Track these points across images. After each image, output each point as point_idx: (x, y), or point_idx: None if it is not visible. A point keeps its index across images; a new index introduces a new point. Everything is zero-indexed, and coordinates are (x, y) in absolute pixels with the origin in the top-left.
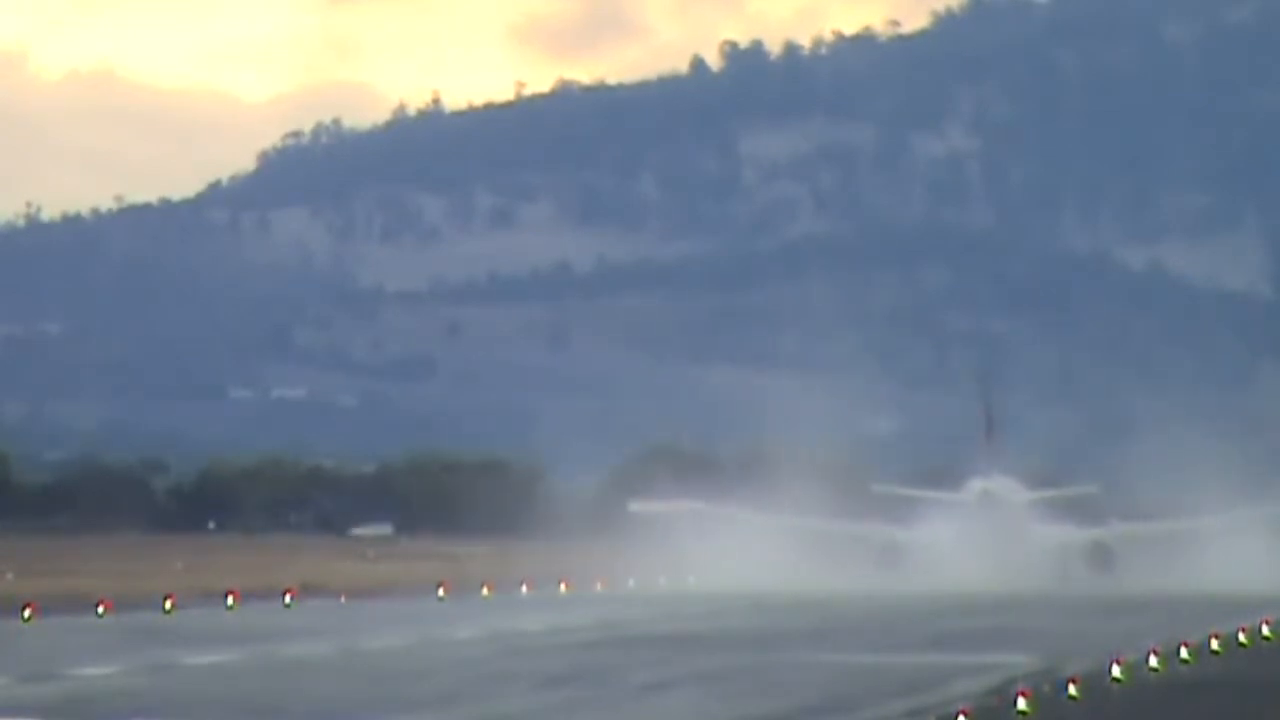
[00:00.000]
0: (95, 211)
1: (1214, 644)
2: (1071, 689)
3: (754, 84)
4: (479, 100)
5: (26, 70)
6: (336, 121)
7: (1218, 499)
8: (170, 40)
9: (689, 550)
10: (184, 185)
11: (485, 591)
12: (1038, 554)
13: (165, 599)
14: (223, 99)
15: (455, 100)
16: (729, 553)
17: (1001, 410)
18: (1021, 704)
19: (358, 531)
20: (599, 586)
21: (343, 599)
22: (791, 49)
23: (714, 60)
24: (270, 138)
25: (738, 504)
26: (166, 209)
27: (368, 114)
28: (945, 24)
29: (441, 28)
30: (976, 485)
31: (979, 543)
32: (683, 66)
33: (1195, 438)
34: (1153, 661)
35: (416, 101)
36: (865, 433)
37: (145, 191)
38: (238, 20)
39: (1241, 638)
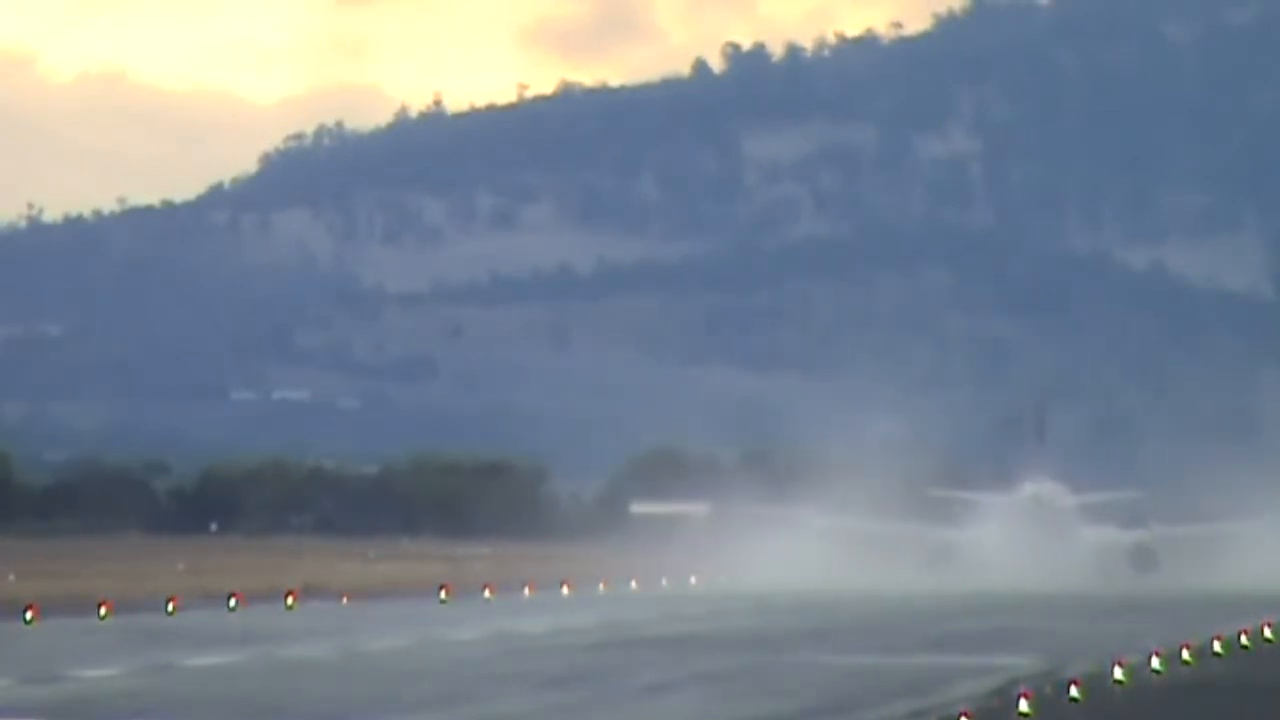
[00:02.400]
0: (97, 213)
1: (1216, 646)
2: (1073, 690)
3: (756, 85)
4: (480, 102)
5: (36, 72)
6: (339, 123)
7: (1261, 502)
8: (180, 42)
9: (741, 551)
10: (187, 186)
11: (487, 593)
12: (1083, 555)
13: (167, 600)
14: (232, 101)
15: (457, 102)
16: (777, 554)
17: (1051, 417)
18: (1023, 705)
19: None
20: (601, 588)
21: (344, 600)
22: (793, 50)
23: (716, 62)
24: (277, 140)
25: (783, 505)
26: (168, 210)
27: (377, 117)
28: (946, 25)
29: (449, 31)
30: (1028, 489)
31: (1028, 544)
32: (685, 68)
33: (1203, 439)
34: (1154, 663)
35: (419, 103)
36: (866, 434)
37: (147, 193)
38: (248, 23)
39: (1243, 639)
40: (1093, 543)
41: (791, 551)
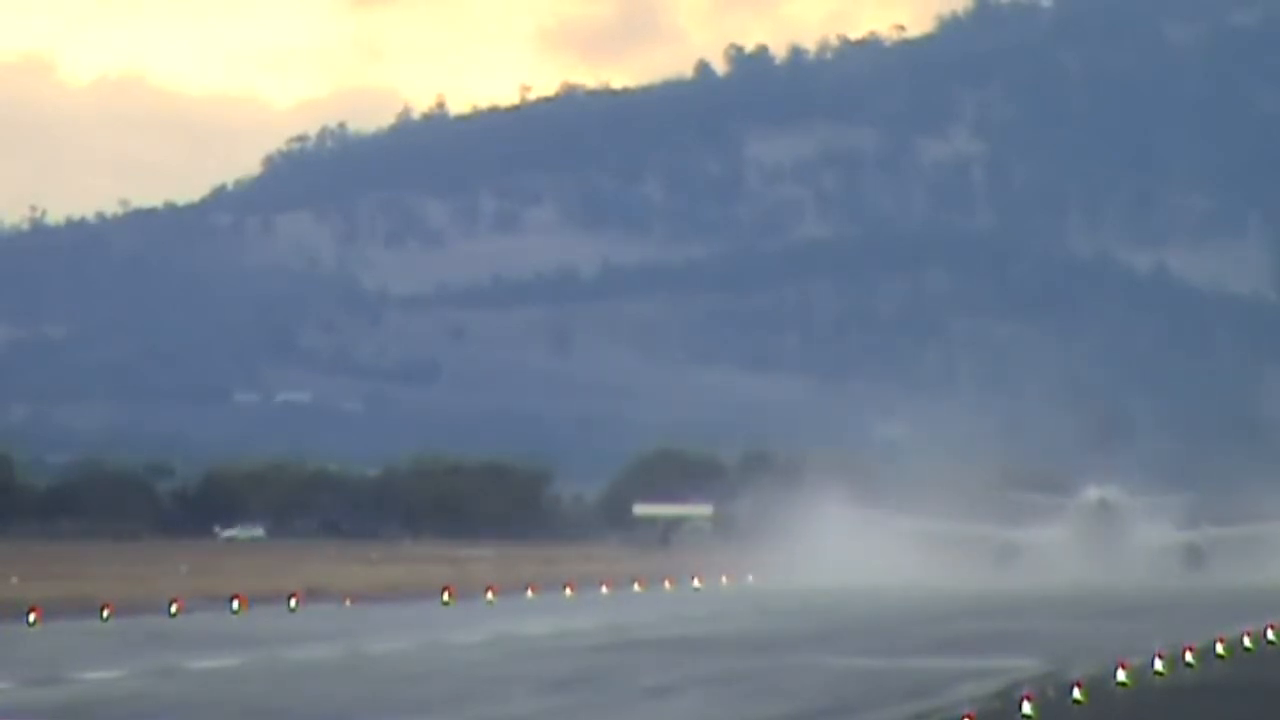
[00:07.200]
0: (100, 215)
1: (1219, 648)
2: (1076, 693)
3: (758, 87)
4: (483, 104)
5: (56, 76)
6: (341, 125)
7: None
8: (197, 47)
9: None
10: (192, 188)
11: (490, 595)
12: (1140, 555)
13: (170, 603)
14: (248, 105)
15: (459, 104)
16: (848, 552)
17: (1111, 422)
18: (1026, 708)
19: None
20: (604, 589)
21: (347, 603)
22: (796, 52)
23: (719, 64)
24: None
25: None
26: (171, 212)
27: (385, 119)
28: (949, 27)
29: (458, 35)
30: (1093, 493)
31: (1090, 544)
32: (688, 70)
33: (1206, 441)
34: (1157, 665)
35: (422, 105)
36: (869, 436)
37: (152, 195)
38: (268, 28)
39: (1246, 642)
40: (1148, 543)
41: (842, 552)
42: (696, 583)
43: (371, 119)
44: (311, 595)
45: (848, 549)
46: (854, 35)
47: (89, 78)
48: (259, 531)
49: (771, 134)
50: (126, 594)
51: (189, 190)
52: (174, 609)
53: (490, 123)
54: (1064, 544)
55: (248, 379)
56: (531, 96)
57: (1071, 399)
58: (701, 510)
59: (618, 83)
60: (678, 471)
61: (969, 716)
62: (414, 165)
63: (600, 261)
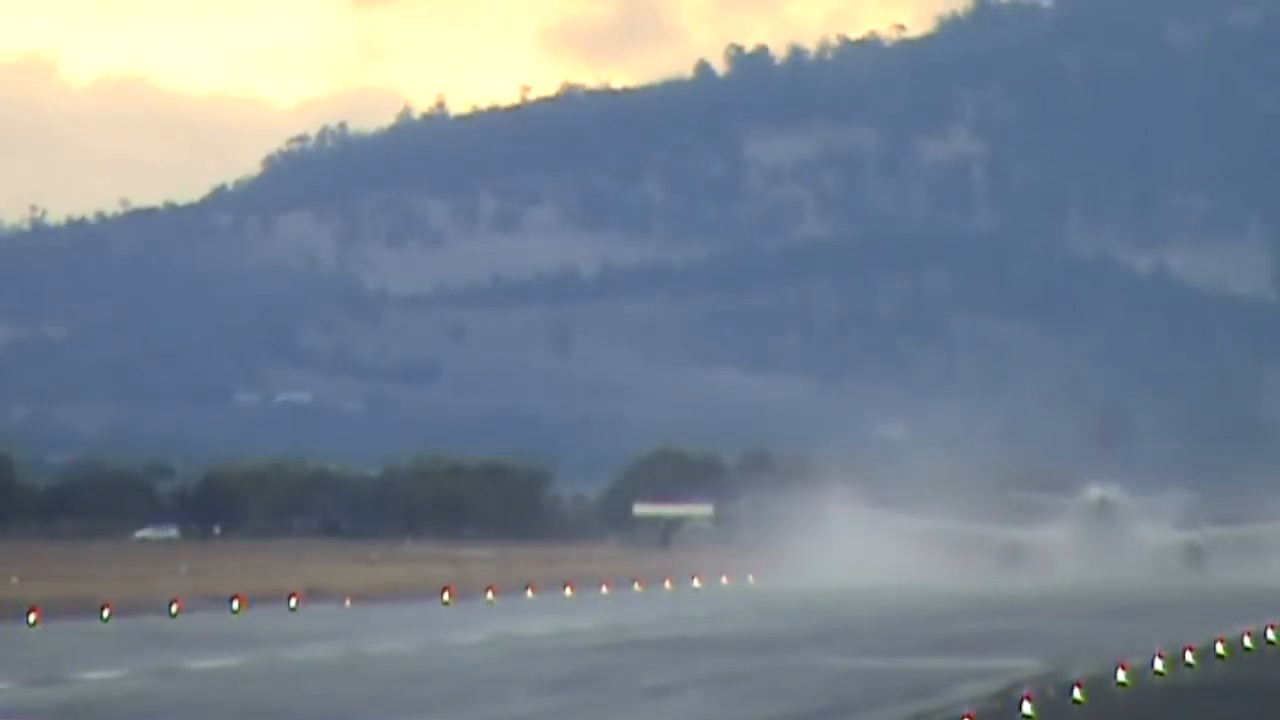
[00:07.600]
0: (100, 215)
1: (1219, 648)
2: (1076, 693)
3: (758, 87)
4: (483, 103)
5: (58, 76)
6: (341, 125)
7: None
8: (200, 48)
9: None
10: (193, 188)
11: (490, 595)
12: (1141, 554)
13: (170, 603)
14: (251, 105)
15: (459, 104)
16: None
17: (1112, 423)
18: (1026, 708)
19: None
20: (604, 589)
21: (348, 603)
22: (796, 52)
23: (719, 64)
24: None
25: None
26: (171, 212)
27: (386, 119)
28: (949, 27)
29: (461, 35)
30: (1094, 492)
31: (1090, 544)
32: (688, 70)
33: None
34: (1158, 665)
35: (422, 105)
36: (869, 436)
37: (152, 195)
38: (271, 28)
39: (1246, 642)
40: (1148, 542)
41: (842, 552)
42: (696, 583)
43: (371, 119)
44: (311, 595)
45: (848, 549)
46: (854, 35)
47: (90, 78)
48: (172, 532)
49: (771, 134)
50: (126, 594)
51: (189, 190)
52: (174, 609)
53: (490, 123)
54: (1064, 544)
55: (248, 379)
56: (531, 96)
57: (1071, 399)
58: (701, 510)
59: (618, 83)
60: (678, 471)
61: (969, 716)
62: (414, 165)
63: (600, 261)
